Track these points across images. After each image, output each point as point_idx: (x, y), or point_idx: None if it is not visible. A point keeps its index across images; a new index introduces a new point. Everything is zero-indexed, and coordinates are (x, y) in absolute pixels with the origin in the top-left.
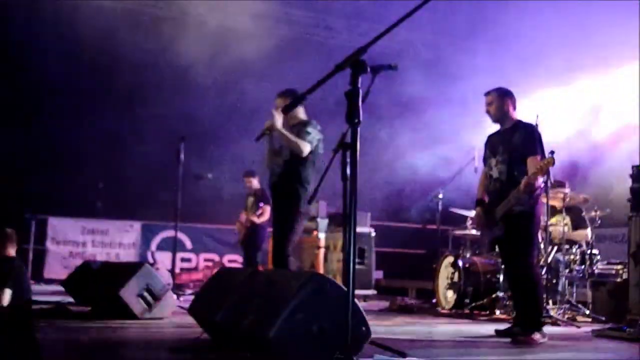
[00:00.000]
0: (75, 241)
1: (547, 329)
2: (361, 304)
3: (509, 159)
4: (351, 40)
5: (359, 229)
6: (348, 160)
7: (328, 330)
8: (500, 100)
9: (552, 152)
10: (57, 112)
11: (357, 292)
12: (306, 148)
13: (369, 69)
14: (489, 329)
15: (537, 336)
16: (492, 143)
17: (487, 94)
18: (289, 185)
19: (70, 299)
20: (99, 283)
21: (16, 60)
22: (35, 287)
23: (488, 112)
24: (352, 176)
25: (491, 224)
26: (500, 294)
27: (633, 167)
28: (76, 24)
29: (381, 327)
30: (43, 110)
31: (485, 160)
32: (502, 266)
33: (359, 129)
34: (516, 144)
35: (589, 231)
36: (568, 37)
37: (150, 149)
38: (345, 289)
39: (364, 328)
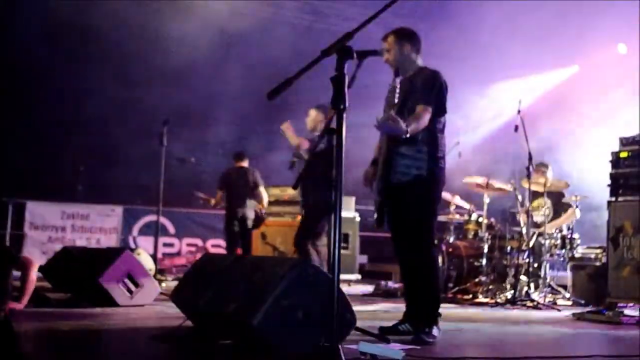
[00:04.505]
0: (55, 226)
1: (529, 312)
2: (345, 289)
3: (402, 110)
4: (337, 24)
5: (343, 214)
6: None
7: (313, 317)
8: (400, 45)
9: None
10: (37, 94)
11: (342, 276)
12: None
13: (355, 55)
14: (472, 313)
15: (434, 332)
16: (391, 94)
17: (384, 38)
18: None
19: (49, 286)
20: (79, 269)
21: None
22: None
23: (387, 60)
24: (337, 163)
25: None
26: (484, 278)
27: (612, 153)
28: (60, 4)
29: (365, 312)
30: (23, 92)
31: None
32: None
33: (344, 115)
34: (412, 92)
35: (576, 211)
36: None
37: (133, 132)
38: (330, 275)
39: (348, 315)
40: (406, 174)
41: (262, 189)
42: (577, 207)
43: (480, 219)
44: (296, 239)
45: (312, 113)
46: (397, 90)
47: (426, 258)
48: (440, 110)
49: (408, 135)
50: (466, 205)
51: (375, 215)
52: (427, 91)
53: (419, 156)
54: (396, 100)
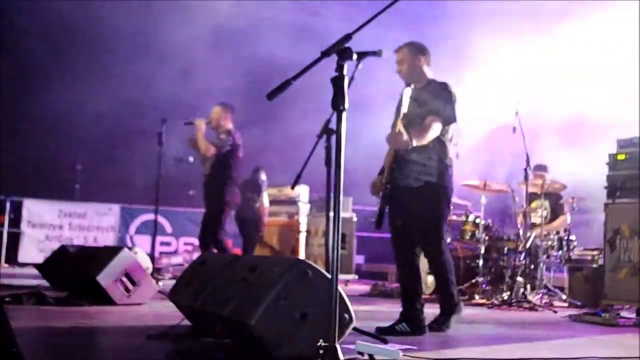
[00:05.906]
0: (52, 224)
1: (526, 314)
2: (342, 289)
3: (414, 121)
4: (336, 25)
5: (341, 214)
6: (333, 145)
7: (310, 317)
8: (413, 57)
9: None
10: (35, 93)
11: (339, 276)
12: None
13: (354, 56)
14: (468, 314)
15: (452, 321)
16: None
17: (398, 50)
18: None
19: (46, 284)
20: (76, 267)
21: None
22: (9, 271)
23: (399, 72)
24: (337, 164)
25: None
26: (480, 279)
27: (610, 155)
28: (60, 4)
29: (362, 312)
30: (21, 91)
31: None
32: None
33: (344, 115)
34: (424, 103)
35: (567, 217)
36: None
37: (131, 131)
38: (328, 275)
39: (346, 315)
40: (417, 180)
41: (264, 194)
42: (574, 208)
43: (478, 220)
44: (200, 237)
45: (217, 109)
46: (416, 100)
47: (441, 260)
48: (449, 119)
49: (415, 145)
50: (464, 203)
51: (376, 217)
52: (438, 103)
53: (429, 163)
54: (406, 110)
